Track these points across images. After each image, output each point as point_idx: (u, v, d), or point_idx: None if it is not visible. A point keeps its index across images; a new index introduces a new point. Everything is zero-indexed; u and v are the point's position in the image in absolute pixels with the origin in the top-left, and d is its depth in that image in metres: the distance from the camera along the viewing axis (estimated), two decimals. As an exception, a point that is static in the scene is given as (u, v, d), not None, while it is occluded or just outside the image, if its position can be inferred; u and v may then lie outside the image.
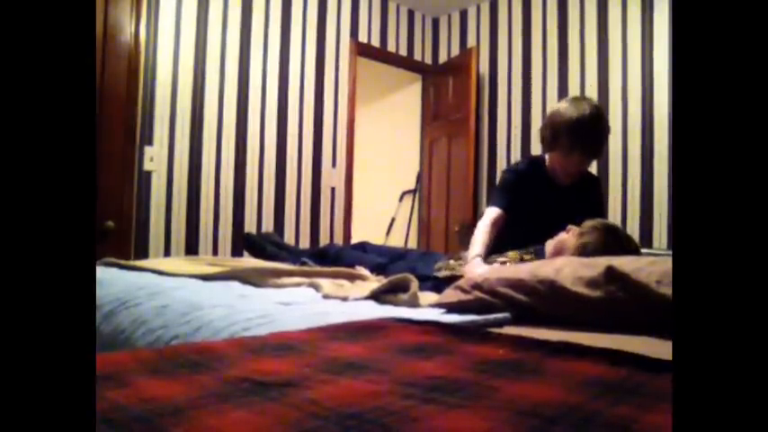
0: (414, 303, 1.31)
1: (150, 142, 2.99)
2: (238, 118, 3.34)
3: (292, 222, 3.59)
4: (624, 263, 1.11)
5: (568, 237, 1.77)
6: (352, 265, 1.96)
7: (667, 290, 1.00)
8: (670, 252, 2.70)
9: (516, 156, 3.96)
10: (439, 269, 1.99)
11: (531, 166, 2.21)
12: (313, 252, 2.43)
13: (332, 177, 3.81)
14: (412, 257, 2.21)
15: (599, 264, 1.13)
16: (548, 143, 2.03)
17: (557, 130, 1.94)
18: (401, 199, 4.81)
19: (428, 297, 1.37)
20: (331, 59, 3.81)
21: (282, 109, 3.55)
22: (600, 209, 2.26)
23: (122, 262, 1.99)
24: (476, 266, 1.84)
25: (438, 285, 1.72)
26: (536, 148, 3.85)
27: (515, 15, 4.07)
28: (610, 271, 1.09)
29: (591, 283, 1.10)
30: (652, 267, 1.08)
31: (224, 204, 3.28)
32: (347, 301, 1.35)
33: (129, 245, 2.88)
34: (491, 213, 2.08)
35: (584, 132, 1.90)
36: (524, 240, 2.05)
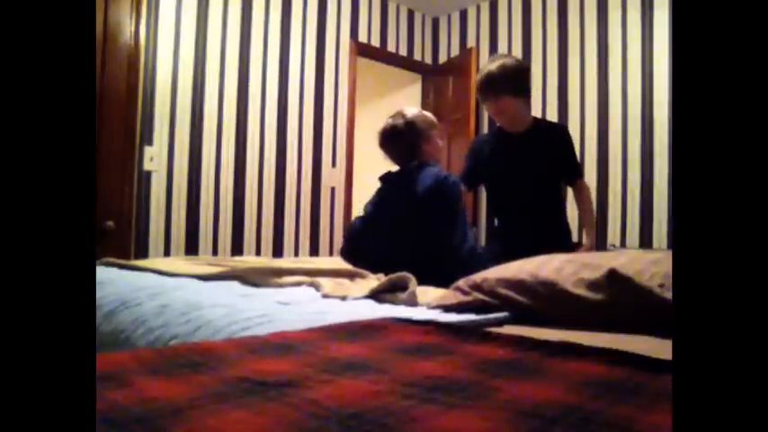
0: (412, 302, 1.31)
1: (150, 142, 2.99)
2: (238, 118, 3.34)
3: (292, 222, 3.59)
4: (626, 263, 1.11)
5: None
6: None
7: (670, 294, 1.00)
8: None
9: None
10: None
11: (485, 134, 2.56)
12: None
13: (332, 177, 3.81)
14: None
15: (601, 265, 1.13)
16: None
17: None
18: (401, 199, 4.81)
19: (428, 295, 1.37)
20: (331, 59, 3.81)
21: (282, 109, 3.55)
22: (567, 159, 2.34)
23: (122, 262, 1.99)
24: None
25: None
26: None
27: (515, 15, 4.07)
28: (612, 274, 1.08)
29: (592, 286, 1.10)
30: (655, 268, 1.08)
31: (224, 204, 3.28)
32: (346, 301, 1.35)
33: (129, 245, 2.88)
34: None
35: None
36: (499, 195, 2.37)
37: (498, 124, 2.35)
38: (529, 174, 2.24)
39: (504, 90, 2.17)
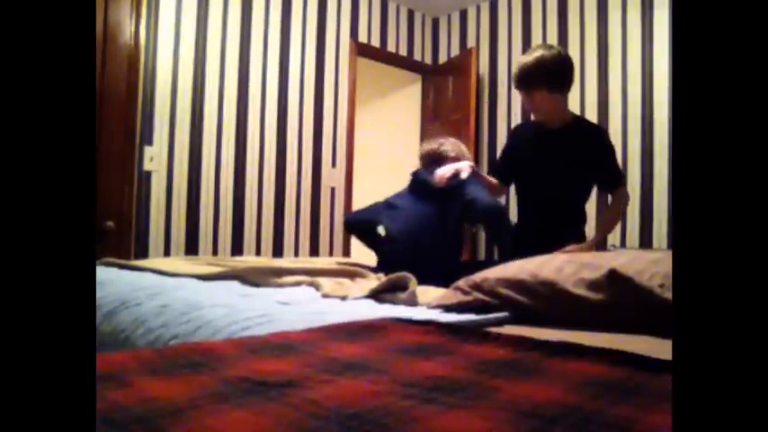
0: (412, 302, 1.32)
1: (150, 142, 2.99)
2: (238, 118, 3.34)
3: (292, 222, 3.59)
4: (626, 263, 1.11)
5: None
6: None
7: (670, 294, 1.00)
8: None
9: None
10: None
11: (525, 123, 2.52)
12: None
13: (332, 177, 3.81)
14: None
15: (601, 265, 1.13)
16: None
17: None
18: (401, 199, 4.81)
19: (428, 295, 1.37)
20: (331, 59, 3.81)
21: (282, 109, 3.55)
22: (602, 165, 2.16)
23: (122, 262, 1.99)
24: None
25: None
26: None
27: (515, 16, 4.07)
28: (613, 274, 1.08)
29: (593, 286, 1.10)
30: (655, 268, 1.08)
31: (224, 204, 3.28)
32: (346, 301, 1.35)
33: (129, 245, 2.88)
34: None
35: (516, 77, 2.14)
36: (521, 189, 2.31)
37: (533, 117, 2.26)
38: (551, 172, 2.13)
39: (537, 84, 2.06)
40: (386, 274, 1.70)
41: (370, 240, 2.26)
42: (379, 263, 2.06)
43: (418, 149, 2.39)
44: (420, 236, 1.96)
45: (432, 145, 2.29)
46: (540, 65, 2.04)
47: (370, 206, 2.33)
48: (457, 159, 2.15)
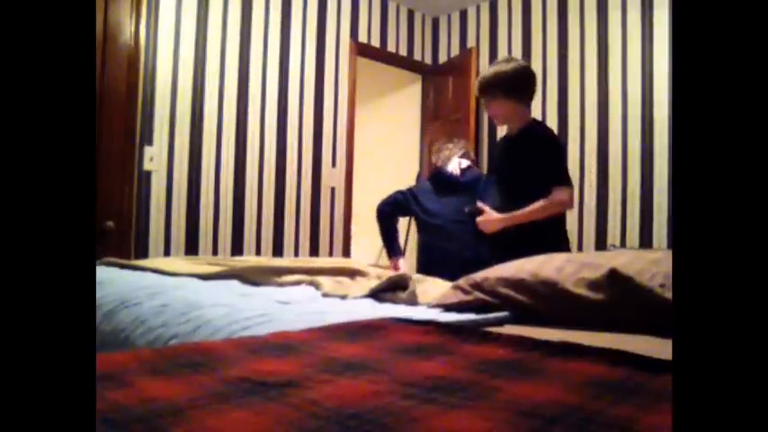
0: (412, 301, 1.32)
1: (150, 142, 2.99)
2: (238, 118, 3.34)
3: (292, 222, 3.59)
4: (627, 263, 1.11)
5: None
6: None
7: (671, 294, 1.00)
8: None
9: (516, 156, 3.97)
10: None
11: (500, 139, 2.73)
12: None
13: (332, 177, 3.81)
14: None
15: (601, 265, 1.13)
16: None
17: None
18: (401, 199, 4.81)
19: (428, 294, 1.37)
20: (331, 59, 3.81)
21: (282, 109, 3.54)
22: (543, 165, 2.13)
23: (122, 262, 1.99)
24: None
25: None
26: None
27: (515, 15, 4.07)
28: (613, 273, 1.08)
29: (593, 285, 1.09)
30: (656, 268, 1.08)
31: (224, 204, 3.27)
32: (346, 300, 1.35)
33: (129, 245, 2.88)
34: None
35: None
36: (505, 194, 2.36)
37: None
38: (509, 177, 2.28)
39: (497, 93, 2.20)
40: (436, 251, 2.42)
41: (394, 231, 2.70)
42: (423, 236, 2.54)
43: (433, 156, 2.79)
44: (452, 222, 2.43)
45: (443, 152, 2.71)
46: (502, 74, 2.21)
47: (393, 194, 2.70)
48: (465, 157, 2.61)
